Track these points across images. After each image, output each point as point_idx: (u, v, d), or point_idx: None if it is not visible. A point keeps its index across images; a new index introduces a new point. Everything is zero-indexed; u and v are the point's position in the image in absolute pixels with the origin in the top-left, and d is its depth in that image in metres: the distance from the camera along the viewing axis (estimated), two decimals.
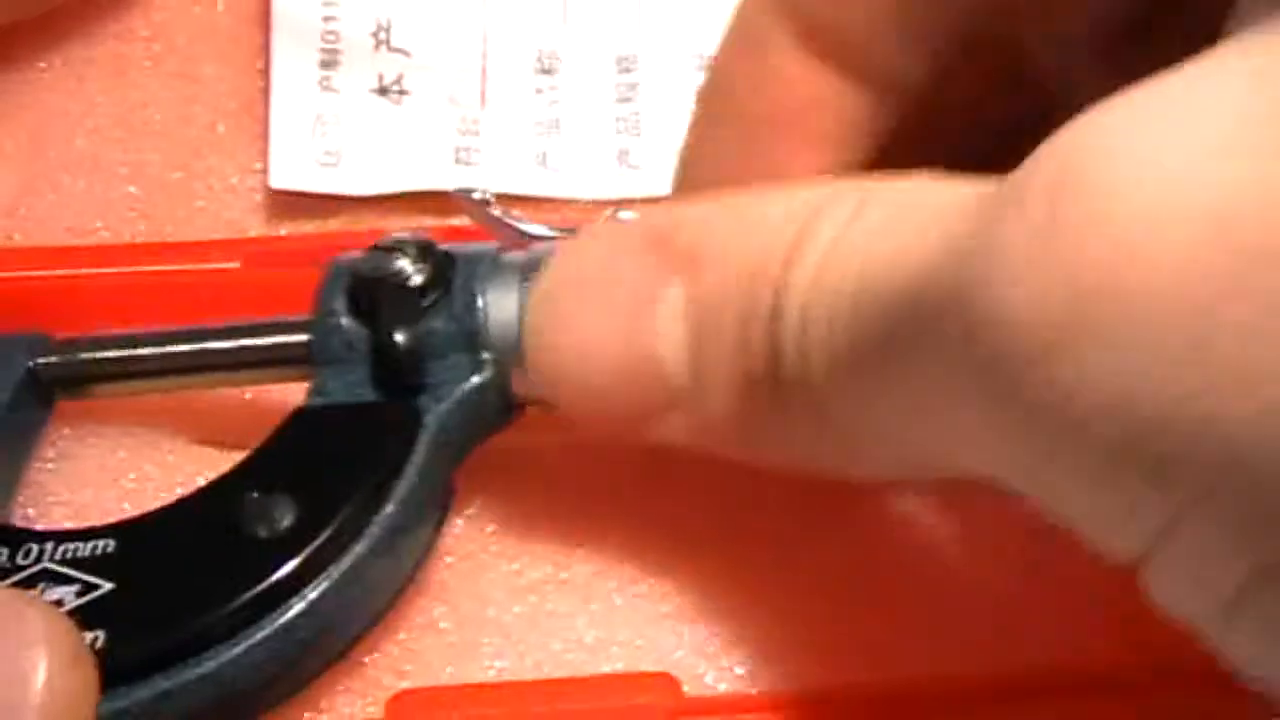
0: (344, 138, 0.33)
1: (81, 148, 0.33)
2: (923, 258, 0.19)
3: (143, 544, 0.24)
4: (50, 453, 0.29)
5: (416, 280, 0.26)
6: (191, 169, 0.33)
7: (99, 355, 0.28)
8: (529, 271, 0.26)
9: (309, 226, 0.33)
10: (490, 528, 0.28)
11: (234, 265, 0.31)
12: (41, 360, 0.28)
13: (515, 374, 0.26)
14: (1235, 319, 0.15)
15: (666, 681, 0.25)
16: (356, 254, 0.26)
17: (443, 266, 0.26)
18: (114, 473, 0.29)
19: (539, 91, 0.33)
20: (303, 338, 0.26)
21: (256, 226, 0.33)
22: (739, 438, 0.23)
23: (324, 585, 0.23)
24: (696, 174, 0.26)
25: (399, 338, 0.25)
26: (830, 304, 0.20)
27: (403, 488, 0.24)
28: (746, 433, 0.22)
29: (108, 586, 0.23)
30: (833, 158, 0.24)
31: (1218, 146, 0.16)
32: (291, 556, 0.23)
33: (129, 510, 0.26)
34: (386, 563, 0.25)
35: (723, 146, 0.25)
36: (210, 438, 0.29)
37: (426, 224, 0.32)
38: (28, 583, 0.24)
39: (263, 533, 0.24)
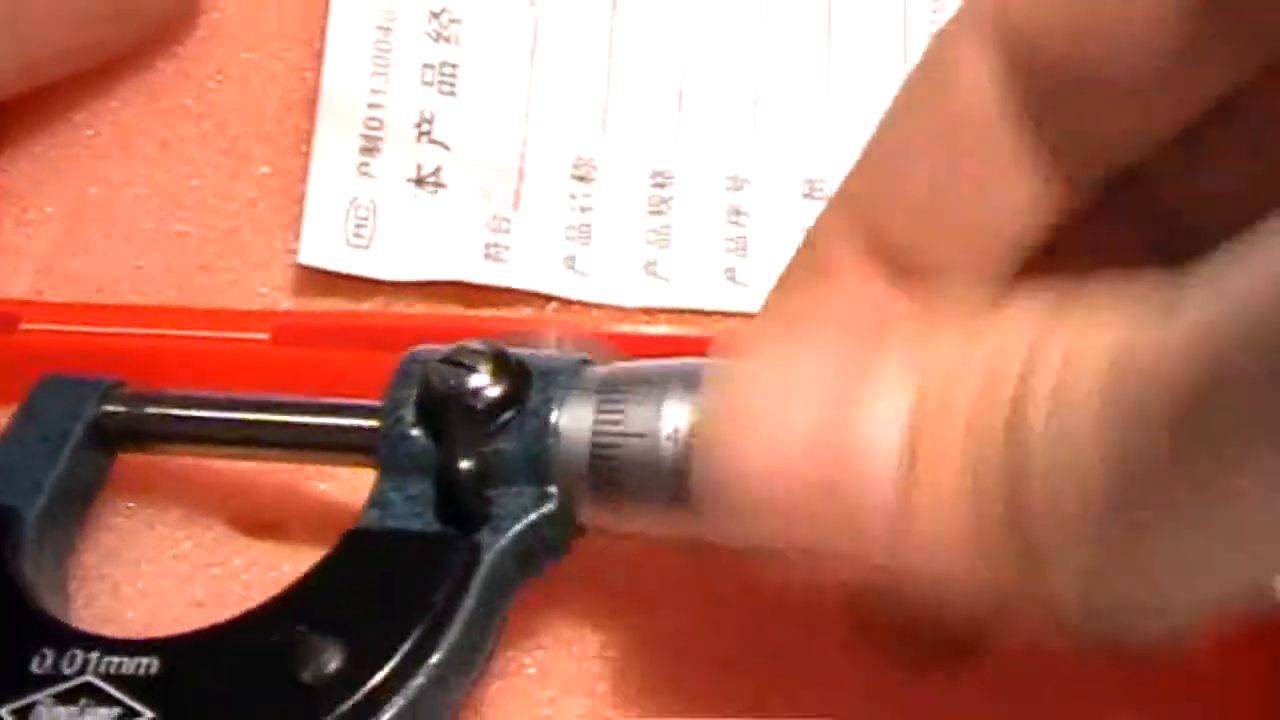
0: (377, 222, 0.33)
1: (121, 213, 0.34)
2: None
3: (187, 670, 0.24)
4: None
5: (488, 397, 0.25)
6: (227, 244, 0.34)
7: (164, 411, 0.28)
8: (607, 391, 0.25)
9: (340, 308, 0.33)
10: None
11: (263, 337, 0.31)
12: (109, 408, 0.28)
13: (580, 505, 0.25)
14: None
15: None
16: (429, 354, 0.26)
17: (517, 383, 0.25)
18: (155, 547, 0.29)
19: (572, 197, 0.34)
20: (371, 423, 0.26)
21: (286, 305, 0.33)
22: (945, 563, 0.20)
23: None
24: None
25: (463, 465, 0.24)
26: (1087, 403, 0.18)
27: (454, 632, 0.24)
28: (953, 559, 0.19)
29: (148, 715, 0.23)
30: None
31: None
32: (337, 704, 0.23)
33: (163, 589, 0.27)
34: (431, 707, 0.24)
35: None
36: (252, 514, 0.29)
37: (456, 313, 0.32)
38: (69, 696, 0.24)
39: (308, 677, 0.23)
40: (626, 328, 0.33)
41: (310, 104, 0.34)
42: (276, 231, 0.34)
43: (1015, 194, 0.23)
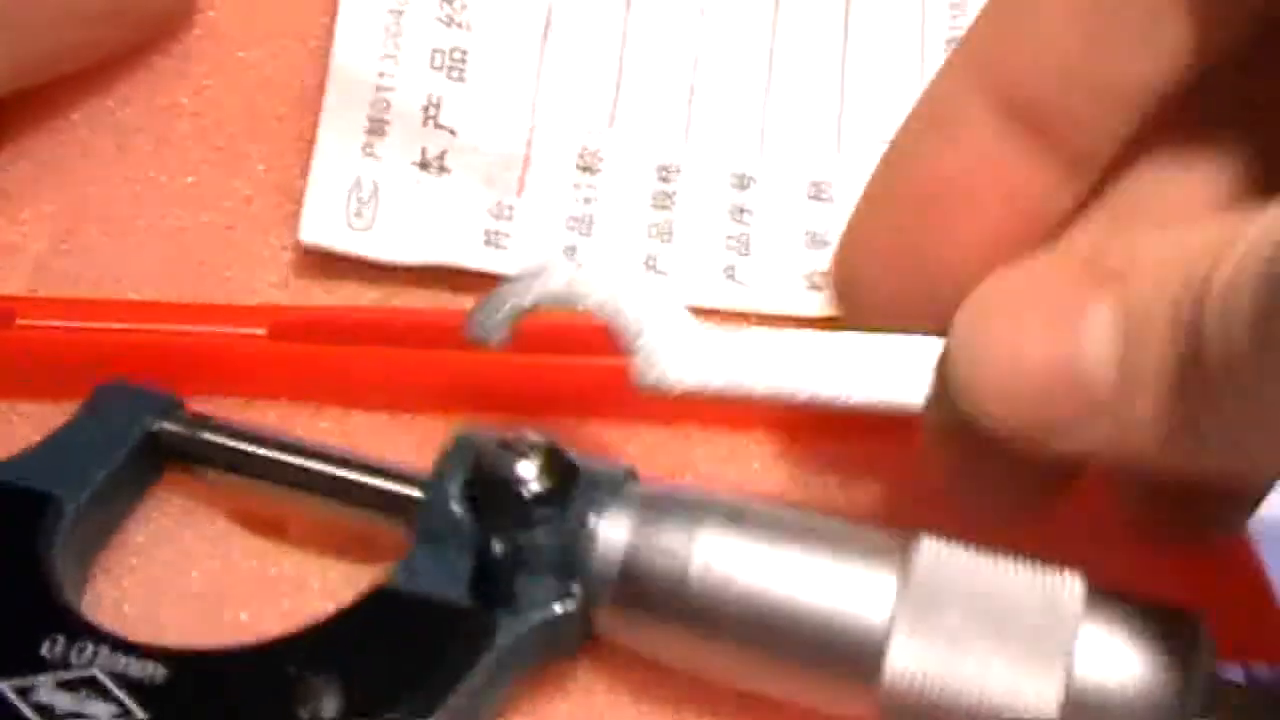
0: (379, 204, 0.33)
1: (117, 211, 0.34)
2: None
3: (189, 685, 0.25)
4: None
5: (535, 488, 0.26)
6: (224, 240, 0.34)
7: (217, 440, 0.29)
8: (648, 508, 0.26)
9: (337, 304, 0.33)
10: None
11: (260, 332, 0.31)
12: (165, 425, 0.29)
13: (599, 614, 0.26)
14: None
15: None
16: (484, 434, 0.27)
17: (564, 482, 0.26)
18: (156, 537, 0.29)
19: (576, 187, 0.34)
20: (414, 491, 0.27)
21: (282, 301, 0.33)
22: (1160, 441, 0.23)
23: None
24: (864, 240, 0.27)
25: (497, 547, 0.25)
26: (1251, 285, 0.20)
27: (453, 701, 0.24)
28: (1170, 434, 0.22)
29: (142, 717, 0.24)
30: (1009, 231, 0.25)
31: None
32: None
33: (163, 579, 0.28)
34: None
35: (897, 216, 0.26)
36: (253, 511, 0.29)
37: (455, 304, 0.32)
38: (73, 685, 0.24)
39: (305, 716, 0.24)
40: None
41: (306, 103, 0.34)
42: (273, 229, 0.34)
43: (1163, 35, 0.24)
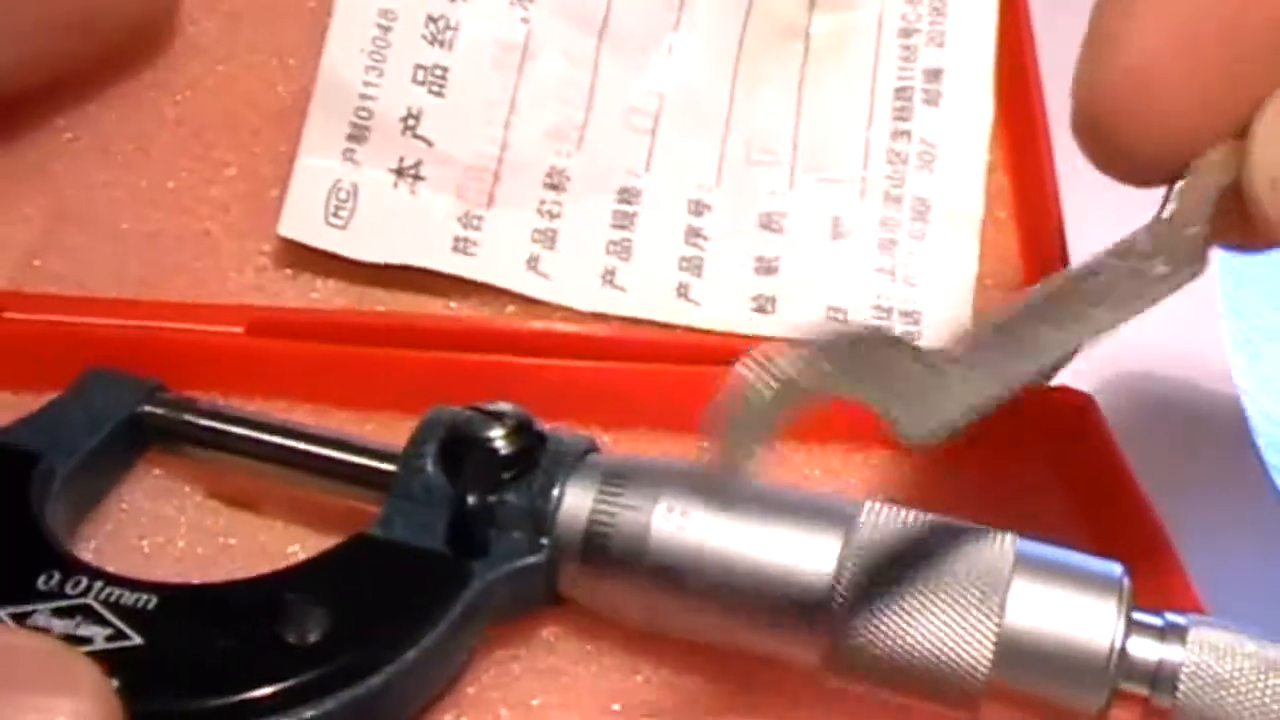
0: (356, 206, 0.35)
1: (99, 214, 0.36)
2: None
3: (180, 611, 0.26)
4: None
5: (504, 452, 0.28)
6: (202, 244, 0.36)
7: (199, 421, 0.30)
8: (611, 474, 0.27)
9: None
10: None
11: (237, 330, 0.33)
12: (148, 408, 0.30)
13: (566, 572, 0.27)
14: None
15: None
16: (455, 409, 0.28)
17: (533, 447, 0.28)
18: (138, 510, 0.31)
19: (542, 203, 0.36)
20: (390, 467, 0.28)
21: (257, 303, 0.35)
22: None
23: (328, 706, 0.24)
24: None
25: (471, 500, 0.27)
26: None
27: (430, 637, 0.26)
28: None
29: (137, 640, 0.25)
30: None
31: None
32: (310, 669, 0.25)
33: (145, 548, 0.29)
34: (392, 702, 0.26)
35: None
36: (232, 488, 0.31)
37: (424, 307, 0.35)
38: (67, 612, 0.25)
39: (291, 638, 0.25)
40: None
41: (283, 117, 0.36)
42: (249, 234, 0.36)
43: None
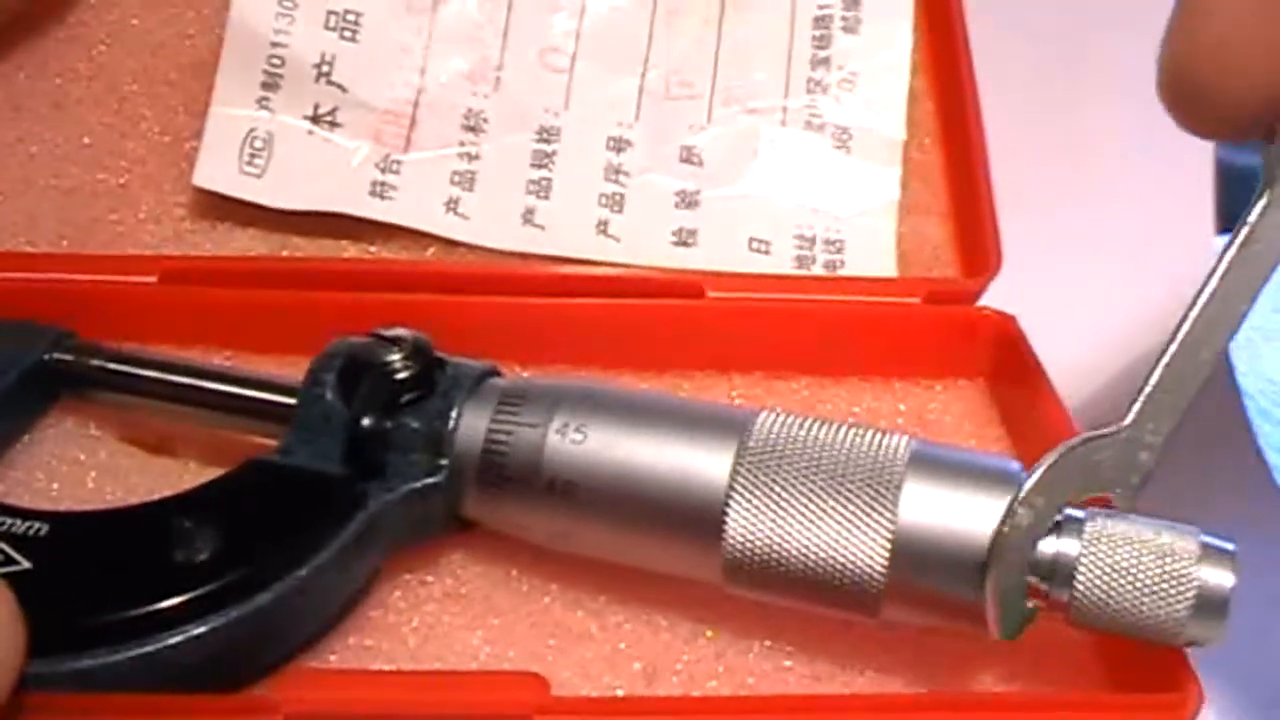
0: (272, 153, 0.35)
1: (15, 170, 0.36)
2: None
3: (71, 537, 0.26)
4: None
5: (401, 375, 0.27)
6: (118, 197, 0.36)
7: (105, 365, 0.30)
8: (507, 396, 0.27)
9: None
10: None
11: (151, 280, 0.33)
12: (56, 355, 0.30)
13: (468, 495, 0.27)
14: None
15: (535, 681, 0.26)
16: (356, 338, 0.28)
17: (430, 370, 0.28)
18: (50, 453, 0.30)
19: (461, 144, 0.36)
20: (291, 400, 0.28)
21: (174, 254, 0.35)
22: None
23: (216, 623, 0.24)
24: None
25: (366, 422, 0.27)
26: None
27: (323, 555, 0.25)
28: None
29: (25, 565, 0.25)
30: None
31: None
32: (197, 585, 0.24)
33: (54, 492, 0.29)
34: (286, 620, 0.25)
35: None
36: (145, 432, 0.31)
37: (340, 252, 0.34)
38: None
39: (179, 557, 0.25)
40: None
41: (198, 68, 0.36)
42: (165, 186, 0.36)
43: None
